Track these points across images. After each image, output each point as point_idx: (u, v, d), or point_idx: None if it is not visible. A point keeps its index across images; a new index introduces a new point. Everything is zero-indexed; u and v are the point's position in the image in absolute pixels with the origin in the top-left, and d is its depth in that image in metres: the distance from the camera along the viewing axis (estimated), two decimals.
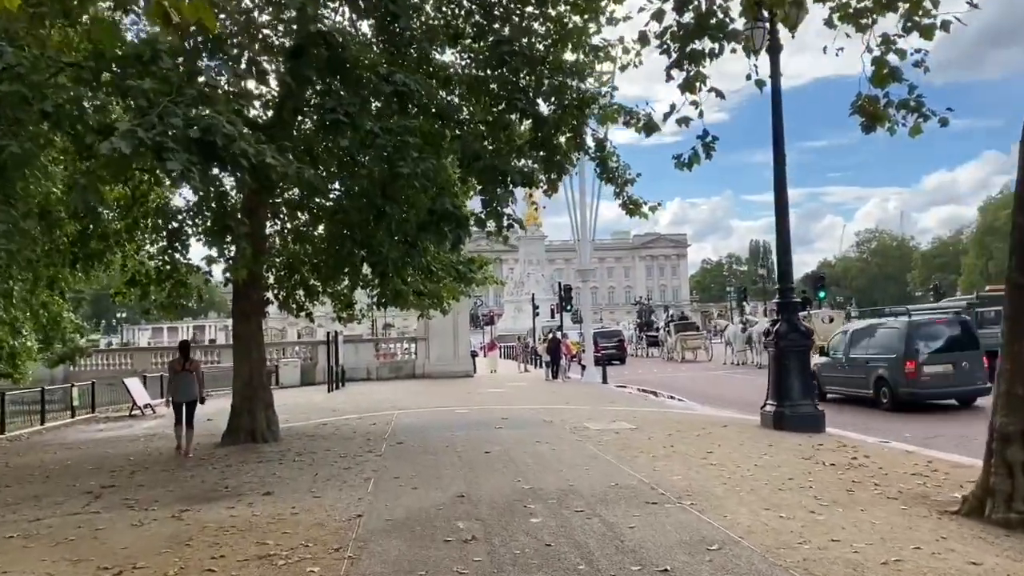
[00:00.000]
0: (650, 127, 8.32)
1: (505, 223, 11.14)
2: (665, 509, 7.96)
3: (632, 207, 12.55)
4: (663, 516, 7.64)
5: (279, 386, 35.21)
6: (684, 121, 7.95)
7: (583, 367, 34.71)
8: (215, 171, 9.52)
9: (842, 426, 14.17)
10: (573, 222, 31.86)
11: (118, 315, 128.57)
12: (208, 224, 12.57)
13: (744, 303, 49.70)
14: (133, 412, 23.44)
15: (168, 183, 14.68)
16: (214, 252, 12.13)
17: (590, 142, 12.29)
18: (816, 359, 19.97)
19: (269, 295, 17.25)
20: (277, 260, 17.81)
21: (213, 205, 12.18)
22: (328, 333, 32.39)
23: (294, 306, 17.74)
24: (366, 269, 15.88)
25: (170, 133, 8.38)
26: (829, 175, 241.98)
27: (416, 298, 15.11)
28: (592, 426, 15.02)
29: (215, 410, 17.50)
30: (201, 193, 9.67)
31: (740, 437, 13.29)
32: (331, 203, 13.14)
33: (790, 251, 15.11)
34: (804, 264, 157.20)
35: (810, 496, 8.49)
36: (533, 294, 63.69)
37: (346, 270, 14.89)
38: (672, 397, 23.92)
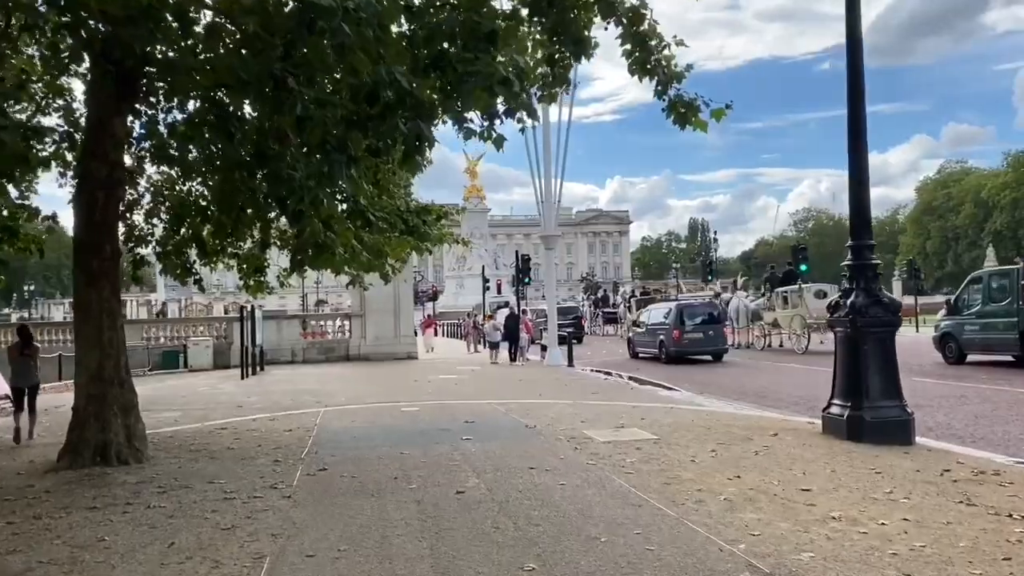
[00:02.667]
0: None
1: (518, 98, 6.50)
2: None
3: (684, 111, 8.22)
4: None
5: (188, 369, 30.30)
6: None
7: (543, 348, 30.56)
8: None
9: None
10: (535, 178, 27.50)
11: (28, 287, 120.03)
12: None
13: (710, 277, 46.18)
14: None
15: None
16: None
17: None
18: (632, 328, 32.98)
19: (142, 251, 12.53)
20: (160, 204, 13.10)
21: None
22: (243, 307, 27.43)
23: (178, 269, 13.05)
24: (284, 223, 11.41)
25: None
26: (763, 156, 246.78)
27: (348, 256, 10.48)
28: (596, 436, 10.75)
29: None
30: None
31: (816, 455, 9.22)
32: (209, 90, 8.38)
33: (868, 195, 11.07)
34: (740, 244, 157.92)
35: None
36: (484, 267, 59.31)
37: (246, 212, 10.27)
38: (662, 385, 19.85)
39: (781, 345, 31.89)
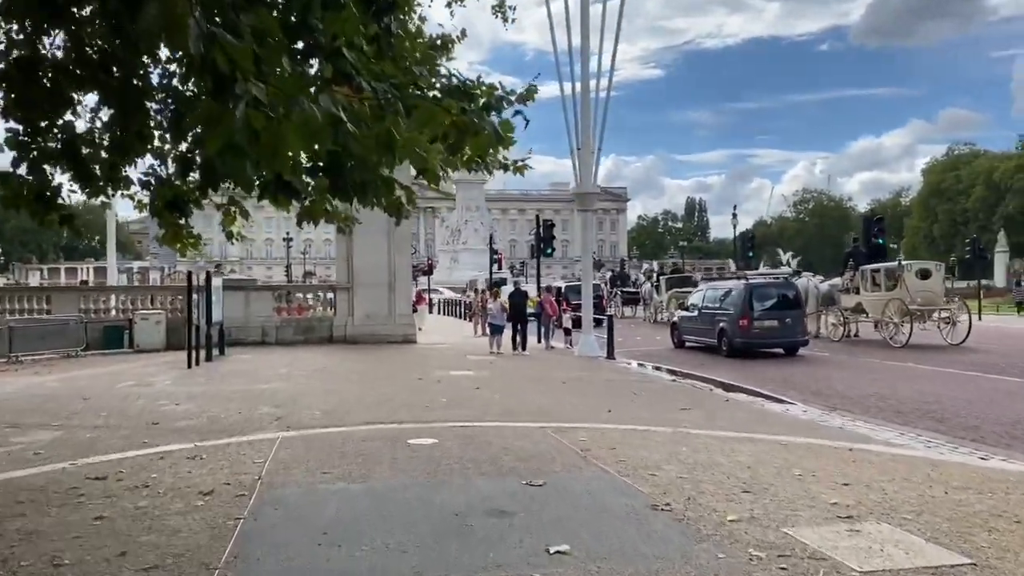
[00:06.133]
0: None
1: None
2: None
3: None
4: None
5: (134, 349, 24.50)
6: None
7: (567, 333, 24.93)
8: None
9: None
10: (569, 122, 21.79)
11: None
12: None
13: (750, 255, 40.22)
14: None
15: None
16: None
17: None
18: (678, 312, 27.06)
19: None
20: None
21: None
22: (190, 273, 21.58)
23: (28, 200, 7.33)
24: None
25: None
26: (757, 137, 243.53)
27: (282, 135, 4.54)
28: (824, 547, 5.15)
29: None
30: None
31: None
32: None
33: None
34: (737, 226, 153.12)
35: None
36: (491, 235, 53.78)
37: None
38: (760, 394, 14.31)
39: (857, 335, 26.31)
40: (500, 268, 57.25)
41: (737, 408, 12.68)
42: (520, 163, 7.99)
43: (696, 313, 24.08)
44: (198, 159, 6.95)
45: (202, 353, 19.82)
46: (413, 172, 6.99)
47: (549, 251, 27.42)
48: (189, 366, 18.06)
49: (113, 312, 27.43)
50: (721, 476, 7.26)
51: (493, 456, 8.13)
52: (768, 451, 8.54)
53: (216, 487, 7.00)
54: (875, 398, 13.76)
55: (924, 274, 23.71)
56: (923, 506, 6.24)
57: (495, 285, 41.72)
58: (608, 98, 21.83)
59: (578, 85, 21.48)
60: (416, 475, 7.36)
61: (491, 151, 6.18)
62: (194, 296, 20.27)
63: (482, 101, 6.97)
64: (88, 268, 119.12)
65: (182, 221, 8.56)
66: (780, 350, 21.65)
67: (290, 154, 5.58)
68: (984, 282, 59.22)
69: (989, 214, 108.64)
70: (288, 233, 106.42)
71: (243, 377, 16.11)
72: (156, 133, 7.62)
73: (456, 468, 7.62)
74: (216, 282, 21.30)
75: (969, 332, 22.31)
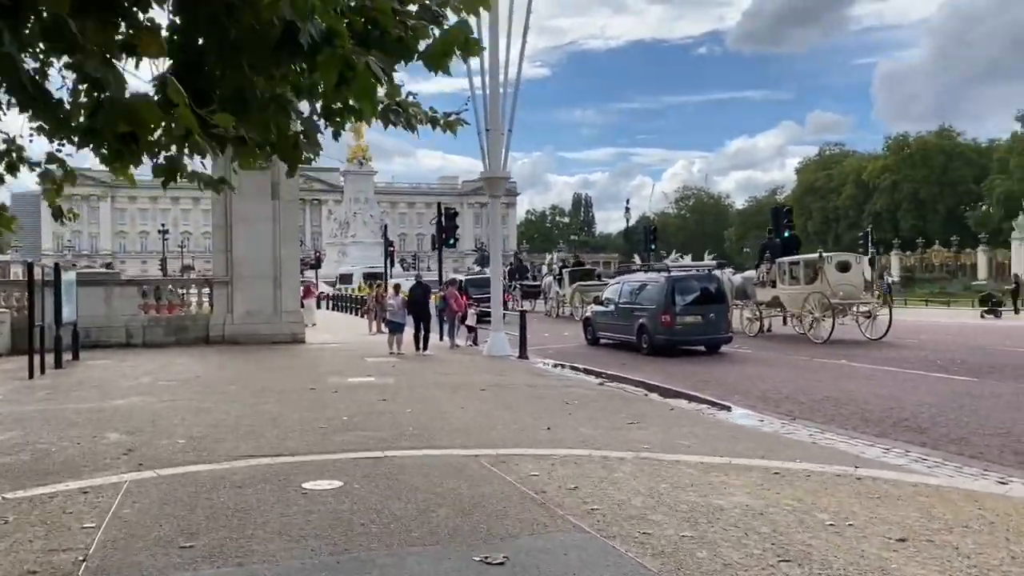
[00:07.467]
0: None
1: None
2: None
3: None
4: None
5: None
6: None
7: (471, 330, 22.95)
8: None
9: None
10: (476, 104, 19.75)
11: None
12: None
13: (652, 247, 39.27)
14: None
15: None
16: None
17: None
18: (592, 307, 25.55)
19: None
20: None
21: None
22: (31, 265, 18.28)
23: None
24: None
25: None
26: (638, 136, 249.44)
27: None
28: None
29: None
30: None
31: None
32: None
33: None
34: (621, 221, 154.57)
35: None
36: (386, 226, 51.09)
37: None
38: (697, 398, 12.75)
39: (770, 329, 25.45)
40: (393, 263, 54.58)
41: (686, 419, 10.99)
42: (453, 117, 5.90)
43: (612, 308, 22.51)
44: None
45: (50, 359, 16.82)
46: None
47: (452, 241, 25.35)
48: (30, 376, 15.08)
49: None
50: (735, 531, 5.45)
51: (422, 508, 6.06)
52: (766, 485, 6.81)
53: None
54: (830, 403, 12.39)
55: (844, 267, 22.95)
56: None
57: (371, 277, 38.84)
58: (519, 75, 19.95)
59: (487, 68, 19.49)
60: (319, 548, 5.19)
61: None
62: (45, 293, 17.20)
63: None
64: None
65: None
66: (702, 347, 20.39)
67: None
68: None
69: (859, 212, 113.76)
70: (164, 225, 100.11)
71: (95, 390, 13.34)
72: None
73: (375, 532, 5.51)
74: (68, 276, 18.19)
75: (890, 327, 21.67)
